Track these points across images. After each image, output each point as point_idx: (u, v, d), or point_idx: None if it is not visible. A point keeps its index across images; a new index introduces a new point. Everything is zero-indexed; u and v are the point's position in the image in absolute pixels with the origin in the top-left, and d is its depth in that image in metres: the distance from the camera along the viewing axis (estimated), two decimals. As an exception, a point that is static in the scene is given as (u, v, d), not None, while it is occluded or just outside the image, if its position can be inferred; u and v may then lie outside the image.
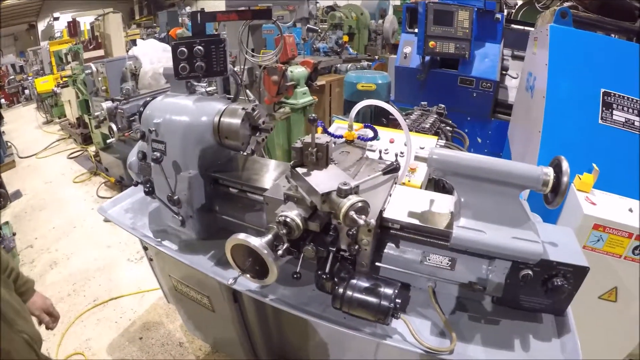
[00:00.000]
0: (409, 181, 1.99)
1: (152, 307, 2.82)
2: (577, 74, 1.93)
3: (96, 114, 3.61)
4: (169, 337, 2.59)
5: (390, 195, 1.33)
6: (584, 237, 1.73)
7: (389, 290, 1.12)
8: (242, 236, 1.11)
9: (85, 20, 7.57)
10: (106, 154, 4.59)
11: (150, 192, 1.56)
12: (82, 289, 3.04)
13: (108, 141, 3.46)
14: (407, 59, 3.66)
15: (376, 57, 5.89)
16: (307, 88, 3.36)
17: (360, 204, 1.02)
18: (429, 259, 1.26)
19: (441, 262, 1.25)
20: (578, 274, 1.14)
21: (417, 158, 1.14)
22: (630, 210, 1.74)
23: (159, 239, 1.70)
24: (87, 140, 5.46)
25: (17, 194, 4.82)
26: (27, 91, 10.22)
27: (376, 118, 2.49)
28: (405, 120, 2.61)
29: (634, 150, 1.88)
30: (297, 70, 3.25)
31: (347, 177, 1.11)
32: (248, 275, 1.22)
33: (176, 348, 2.51)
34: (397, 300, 1.12)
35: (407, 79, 3.69)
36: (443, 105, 2.83)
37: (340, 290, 1.15)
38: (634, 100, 1.88)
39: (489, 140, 3.60)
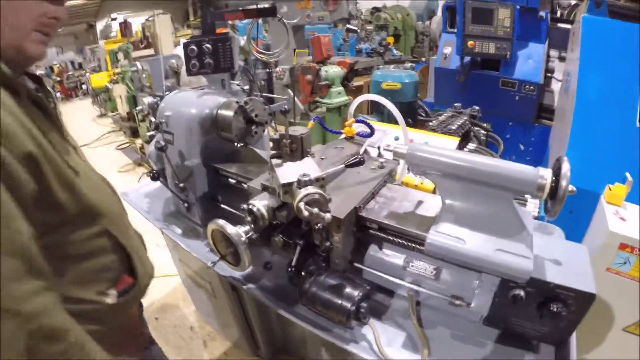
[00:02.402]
0: (422, 183, 1.89)
1: (172, 291, 2.95)
2: (612, 70, 1.71)
3: (139, 108, 3.86)
4: (182, 320, 2.70)
5: (376, 194, 1.26)
6: (609, 258, 1.51)
7: (352, 292, 1.05)
8: (221, 222, 1.14)
9: (138, 21, 8.09)
10: (149, 146, 4.83)
11: (155, 178, 1.67)
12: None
13: (148, 134, 3.66)
14: (446, 60, 3.50)
15: (422, 59, 5.72)
16: (342, 88, 3.33)
17: (316, 197, 0.97)
18: (413, 266, 1.17)
19: (425, 270, 1.15)
20: (581, 301, 1.00)
21: (395, 154, 1.06)
22: None
23: (167, 223, 1.80)
24: (135, 133, 5.82)
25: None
26: (84, 86, 11.14)
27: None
28: (433, 121, 2.51)
29: None
30: (332, 70, 3.23)
31: (317, 170, 1.06)
32: (226, 261, 1.24)
33: (187, 331, 2.61)
34: (362, 304, 1.05)
35: (446, 80, 3.53)
36: (477, 108, 2.67)
37: (306, 285, 1.10)
38: None
39: (532, 147, 3.33)
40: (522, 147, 3.37)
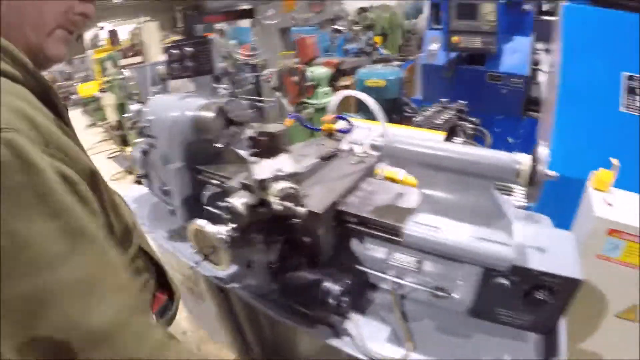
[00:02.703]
0: (406, 178, 1.88)
1: None
2: (594, 57, 1.71)
3: (126, 115, 3.86)
4: (175, 325, 2.62)
5: (355, 188, 1.24)
6: (599, 245, 1.49)
7: (333, 286, 1.02)
8: (201, 222, 1.11)
9: (126, 29, 8.10)
10: (134, 150, 4.85)
11: (139, 182, 1.67)
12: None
13: (136, 140, 3.66)
14: (433, 56, 3.49)
15: (410, 57, 5.75)
16: (329, 88, 3.34)
17: (290, 191, 0.96)
18: (394, 258, 1.15)
19: (407, 263, 1.13)
20: (567, 287, 0.99)
21: (372, 147, 1.05)
22: None
23: (153, 227, 1.79)
24: (125, 141, 5.80)
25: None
26: (73, 96, 11.07)
27: (387, 115, 2.39)
28: (418, 117, 2.51)
29: None
30: (318, 71, 3.24)
31: (292, 165, 1.05)
32: (210, 261, 1.20)
33: (180, 335, 2.57)
34: (343, 298, 1.03)
35: (433, 76, 3.53)
36: (464, 102, 2.67)
37: (287, 281, 1.09)
38: None
39: (521, 140, 3.34)
40: (510, 140, 3.37)
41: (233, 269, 1.39)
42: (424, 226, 0.98)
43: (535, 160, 0.92)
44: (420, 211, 1.02)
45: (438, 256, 1.08)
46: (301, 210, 0.97)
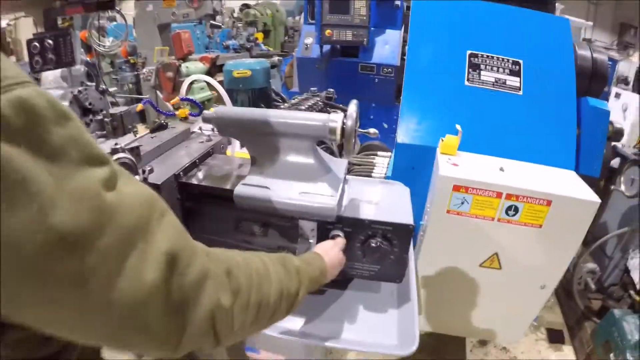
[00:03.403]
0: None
1: None
2: (440, 41, 1.90)
3: None
4: None
5: (200, 163, 1.27)
6: (446, 201, 1.58)
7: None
8: None
9: None
10: None
11: None
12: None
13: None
14: (308, 50, 3.63)
15: (292, 53, 5.90)
16: (205, 83, 3.28)
17: (126, 160, 0.96)
18: (242, 226, 1.19)
19: (254, 229, 1.18)
20: (400, 233, 1.07)
21: (204, 119, 1.07)
22: (502, 169, 1.59)
23: None
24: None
25: None
26: None
27: (254, 104, 2.44)
28: (285, 104, 2.59)
29: (511, 109, 1.77)
30: (194, 66, 3.17)
31: (131, 140, 1.05)
32: None
33: None
34: None
35: (308, 69, 3.66)
36: (332, 90, 2.81)
37: None
38: (504, 60, 1.81)
39: (395, 125, 3.60)
40: (385, 125, 3.63)
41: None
42: (253, 187, 1.03)
43: (345, 117, 0.99)
44: (251, 174, 1.06)
45: (284, 219, 1.13)
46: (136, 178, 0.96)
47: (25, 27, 5.04)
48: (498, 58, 1.78)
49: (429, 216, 1.65)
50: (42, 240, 0.41)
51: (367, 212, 1.10)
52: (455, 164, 1.61)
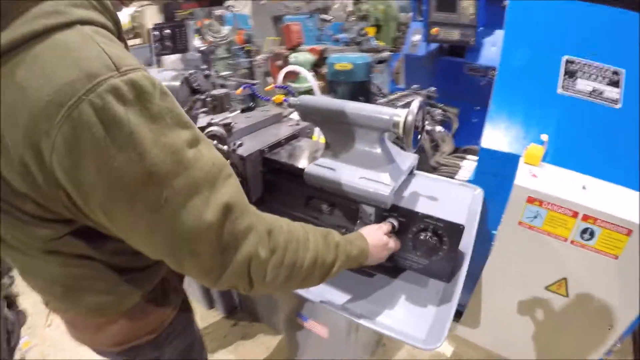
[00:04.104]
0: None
1: None
2: (535, 44, 1.79)
3: None
4: None
5: (285, 144, 1.45)
6: (519, 212, 1.50)
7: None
8: None
9: (127, 13, 8.34)
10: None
11: None
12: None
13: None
14: (415, 47, 3.64)
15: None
16: (312, 73, 3.49)
17: (217, 132, 1.17)
18: (312, 203, 1.35)
19: (322, 207, 1.33)
20: (450, 231, 1.10)
21: (289, 105, 1.24)
22: (584, 187, 1.48)
23: None
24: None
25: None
26: None
27: (354, 97, 2.56)
28: (382, 99, 2.66)
29: (606, 123, 1.61)
30: (301, 57, 3.39)
31: (228, 117, 1.26)
32: None
33: None
34: None
35: (415, 67, 3.68)
36: (434, 89, 2.82)
37: None
38: (604, 68, 1.64)
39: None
40: (488, 130, 3.46)
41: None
42: (322, 168, 1.17)
43: (408, 113, 1.05)
44: (323, 157, 1.21)
45: (347, 201, 1.25)
46: (224, 148, 1.17)
47: (151, 14, 5.83)
48: (597, 66, 1.64)
49: (500, 225, 1.57)
50: (138, 173, 0.60)
51: (423, 206, 1.15)
52: (534, 175, 1.53)
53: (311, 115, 1.21)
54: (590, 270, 1.49)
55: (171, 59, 3.98)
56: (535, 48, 1.82)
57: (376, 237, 1.07)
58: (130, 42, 6.03)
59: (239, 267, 0.71)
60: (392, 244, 1.12)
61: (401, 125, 1.04)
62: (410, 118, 1.02)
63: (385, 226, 1.12)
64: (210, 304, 2.46)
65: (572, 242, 1.46)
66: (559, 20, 1.82)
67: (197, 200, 0.65)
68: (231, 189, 0.70)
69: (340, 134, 1.17)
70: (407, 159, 1.25)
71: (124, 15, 8.83)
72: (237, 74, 4.14)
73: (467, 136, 2.75)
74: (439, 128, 2.46)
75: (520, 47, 1.86)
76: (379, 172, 1.13)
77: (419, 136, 1.11)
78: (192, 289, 2.43)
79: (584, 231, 1.42)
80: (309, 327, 1.49)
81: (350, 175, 1.14)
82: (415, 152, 2.15)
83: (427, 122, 2.54)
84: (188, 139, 0.65)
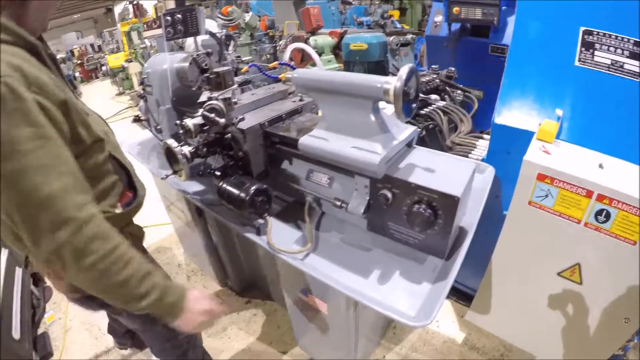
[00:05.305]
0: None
1: (168, 236, 3.33)
2: (550, 16, 1.69)
3: (143, 76, 4.24)
4: (172, 259, 3.06)
5: (286, 118, 1.48)
6: (529, 190, 1.42)
7: (250, 186, 1.25)
8: (169, 141, 1.38)
9: (151, 3, 8.53)
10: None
11: (137, 120, 1.98)
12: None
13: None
14: (437, 28, 3.54)
15: (425, 32, 5.68)
16: (332, 56, 3.48)
17: (215, 106, 1.20)
18: (312, 176, 1.37)
19: (321, 180, 1.35)
20: (445, 203, 1.08)
21: (286, 80, 1.25)
22: (601, 166, 1.34)
23: (150, 160, 2.15)
24: (149, 107, 6.23)
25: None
26: (103, 67, 11.86)
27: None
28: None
29: (625, 98, 1.48)
30: (321, 40, 3.38)
31: (230, 93, 1.30)
32: (176, 175, 1.45)
33: (175, 268, 2.96)
34: (257, 197, 1.25)
35: (437, 47, 3.57)
36: (453, 69, 2.75)
37: (221, 183, 1.32)
38: (624, 39, 1.51)
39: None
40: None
41: (194, 187, 1.67)
42: (316, 138, 1.18)
43: (397, 79, 1.02)
44: (318, 127, 1.22)
45: (346, 174, 1.27)
46: (220, 120, 1.20)
47: (173, 4, 5.98)
48: (617, 37, 1.51)
49: (510, 206, 1.52)
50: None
51: (417, 178, 1.13)
52: (547, 151, 1.43)
53: (305, 87, 1.22)
54: (605, 256, 1.39)
55: (190, 42, 4.07)
56: (550, 19, 1.70)
57: (198, 301, 1.10)
58: (156, 32, 6.19)
59: (55, 249, 0.86)
60: (217, 310, 1.15)
61: (391, 92, 1.02)
62: (399, 84, 1.01)
63: (214, 302, 1.15)
64: (224, 282, 2.54)
65: (585, 224, 1.37)
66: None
67: (33, 180, 0.83)
68: (63, 185, 0.86)
69: (334, 104, 1.18)
70: (405, 130, 1.23)
71: (148, 7, 9.09)
72: (262, 59, 4.20)
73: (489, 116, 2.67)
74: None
75: (534, 18, 1.75)
76: (371, 142, 1.12)
77: (413, 105, 1.09)
78: (208, 268, 2.54)
79: (599, 213, 1.33)
80: (310, 303, 1.52)
81: (342, 145, 1.14)
82: (427, 129, 2.14)
83: (445, 103, 2.49)
84: (29, 134, 0.82)
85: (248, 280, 2.48)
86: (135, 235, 1.30)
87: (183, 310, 1.06)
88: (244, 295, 2.53)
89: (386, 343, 2.14)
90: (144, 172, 1.89)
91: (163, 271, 1.21)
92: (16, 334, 2.06)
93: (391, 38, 4.85)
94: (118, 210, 1.18)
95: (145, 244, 3.11)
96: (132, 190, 1.28)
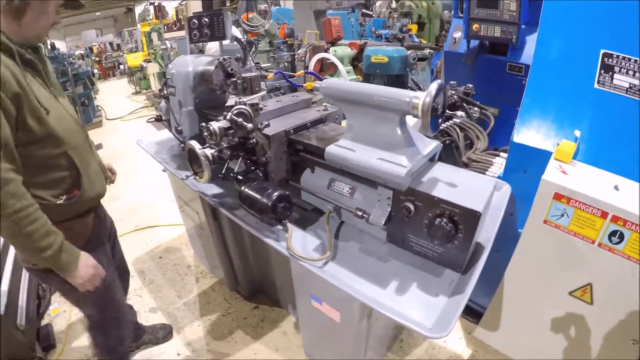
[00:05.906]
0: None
1: (178, 237, 3.34)
2: (571, 38, 1.71)
3: (164, 81, 4.32)
4: (181, 260, 3.07)
5: (311, 127, 1.50)
6: (544, 209, 1.44)
7: (272, 192, 1.26)
8: (192, 142, 1.39)
9: (172, 5, 8.67)
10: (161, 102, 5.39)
11: (159, 119, 2.02)
12: (129, 217, 3.70)
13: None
14: (455, 44, 3.57)
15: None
16: (351, 67, 3.52)
17: (243, 110, 1.22)
18: (334, 185, 1.38)
19: (343, 190, 1.36)
20: (467, 218, 1.08)
21: (314, 89, 1.28)
22: (616, 187, 1.36)
23: (166, 160, 2.15)
24: (166, 108, 6.33)
25: (98, 146, 5.89)
26: (122, 66, 12.02)
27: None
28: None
29: None
30: (341, 51, 3.41)
31: (256, 98, 1.32)
32: (196, 176, 1.46)
33: (184, 269, 2.96)
34: (279, 204, 1.26)
35: (455, 63, 3.59)
36: (471, 86, 2.77)
37: (242, 187, 1.34)
38: None
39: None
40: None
41: (213, 190, 1.69)
42: (342, 148, 1.20)
43: (426, 94, 1.04)
44: (344, 138, 1.24)
45: (368, 184, 1.28)
46: (248, 125, 1.22)
47: (194, 6, 6.06)
48: (636, 61, 1.53)
49: (526, 223, 1.53)
50: None
51: (440, 192, 1.14)
52: (564, 171, 1.46)
53: (334, 97, 1.24)
54: (617, 277, 1.40)
55: (212, 45, 4.14)
56: (571, 41, 1.72)
57: (88, 267, 1.36)
58: (176, 34, 6.30)
59: None
60: (100, 272, 1.42)
61: (420, 107, 1.04)
62: (427, 100, 1.02)
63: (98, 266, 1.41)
64: (234, 286, 2.55)
65: (599, 244, 1.39)
66: (596, 11, 1.73)
67: None
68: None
69: (362, 116, 1.19)
70: (429, 145, 1.25)
71: (169, 9, 9.26)
72: (279, 67, 4.25)
73: (508, 137, 2.67)
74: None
75: (555, 40, 1.77)
76: (397, 154, 1.13)
77: (439, 120, 1.11)
78: (217, 271, 2.56)
79: (613, 234, 1.35)
80: (322, 311, 1.53)
81: (368, 155, 1.15)
82: (444, 145, 2.15)
83: (462, 119, 2.51)
84: None
85: (257, 286, 2.49)
86: (75, 230, 1.44)
87: (77, 268, 1.32)
88: (252, 301, 2.54)
89: (392, 356, 2.13)
90: (157, 171, 1.91)
91: (65, 240, 1.34)
92: (21, 322, 2.10)
93: (409, 52, 4.90)
94: (59, 202, 1.36)
95: (155, 243, 3.14)
96: (79, 190, 1.42)
